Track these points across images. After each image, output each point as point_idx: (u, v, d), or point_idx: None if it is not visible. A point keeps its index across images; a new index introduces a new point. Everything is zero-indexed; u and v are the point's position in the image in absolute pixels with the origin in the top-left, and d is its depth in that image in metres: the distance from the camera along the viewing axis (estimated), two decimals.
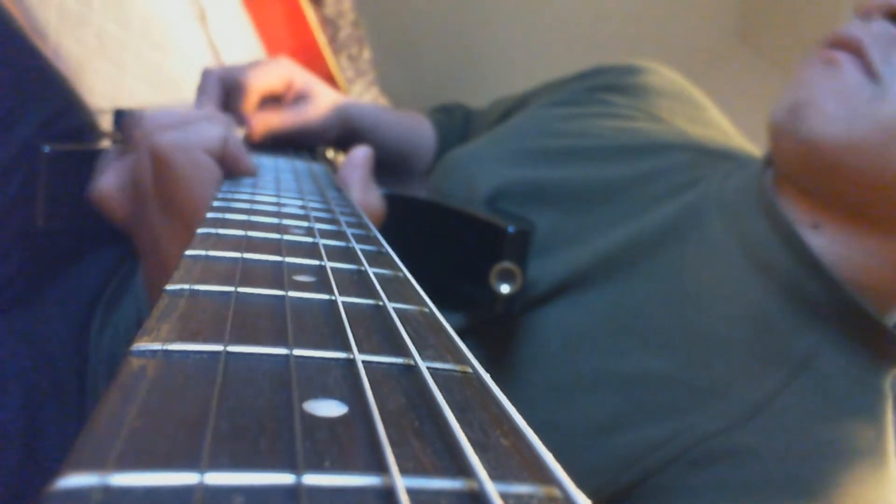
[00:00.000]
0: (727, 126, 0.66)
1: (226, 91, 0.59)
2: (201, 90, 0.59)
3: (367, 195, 0.45)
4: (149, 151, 0.37)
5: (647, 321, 0.47)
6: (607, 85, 0.66)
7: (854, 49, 0.46)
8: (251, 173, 0.42)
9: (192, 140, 0.37)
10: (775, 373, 0.45)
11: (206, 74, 0.60)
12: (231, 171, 0.41)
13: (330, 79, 1.36)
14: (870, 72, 0.45)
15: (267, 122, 0.60)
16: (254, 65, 0.60)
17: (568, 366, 0.47)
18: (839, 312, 0.47)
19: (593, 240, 0.51)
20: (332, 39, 1.59)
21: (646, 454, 0.42)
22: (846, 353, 0.46)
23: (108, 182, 0.42)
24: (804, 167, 0.48)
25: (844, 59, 0.46)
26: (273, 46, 1.21)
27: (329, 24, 1.59)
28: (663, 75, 0.68)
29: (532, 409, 0.44)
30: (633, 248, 0.50)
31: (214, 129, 0.39)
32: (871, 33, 0.45)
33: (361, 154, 0.48)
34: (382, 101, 1.69)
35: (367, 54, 1.69)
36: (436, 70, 1.83)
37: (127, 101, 0.80)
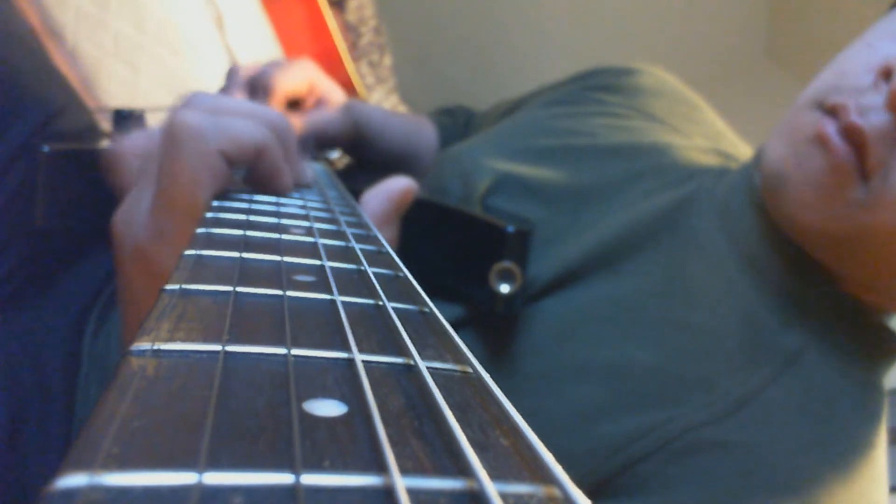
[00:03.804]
0: (723, 127, 0.67)
1: (251, 91, 0.59)
2: (226, 88, 0.59)
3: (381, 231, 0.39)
4: (167, 126, 0.32)
5: (636, 314, 0.47)
6: (602, 85, 0.66)
7: (855, 141, 0.41)
8: (284, 192, 0.35)
9: (213, 132, 0.31)
10: (762, 367, 0.44)
11: (232, 73, 0.60)
12: (263, 184, 0.35)
13: (349, 85, 1.36)
14: (863, 172, 0.41)
15: (298, 125, 0.60)
16: (279, 65, 0.60)
17: (555, 356, 0.47)
18: (829, 308, 0.47)
19: (585, 235, 0.51)
20: (354, 46, 1.58)
21: (629, 443, 0.42)
22: (836, 348, 0.46)
23: (136, 141, 0.37)
24: (784, 224, 0.48)
25: (840, 148, 0.42)
26: (292, 51, 1.22)
27: (351, 31, 1.59)
28: (658, 76, 0.68)
29: (519, 399, 0.44)
30: (623, 241, 0.50)
31: (252, 131, 0.33)
32: (875, 127, 0.41)
33: (397, 187, 0.39)
34: (402, 109, 1.68)
35: (387, 61, 1.69)
36: (456, 78, 1.83)
37: (141, 104, 0.80)
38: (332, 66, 1.32)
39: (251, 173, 0.35)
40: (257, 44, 1.09)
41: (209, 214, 0.28)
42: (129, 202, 0.34)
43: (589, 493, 0.43)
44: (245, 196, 0.33)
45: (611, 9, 1.73)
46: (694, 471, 0.41)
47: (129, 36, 0.86)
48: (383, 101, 1.65)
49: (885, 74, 0.42)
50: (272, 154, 0.34)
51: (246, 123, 0.33)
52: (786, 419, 0.43)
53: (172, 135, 0.31)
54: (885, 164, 0.41)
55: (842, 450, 0.43)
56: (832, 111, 0.43)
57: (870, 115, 0.41)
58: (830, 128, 0.42)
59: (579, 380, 0.45)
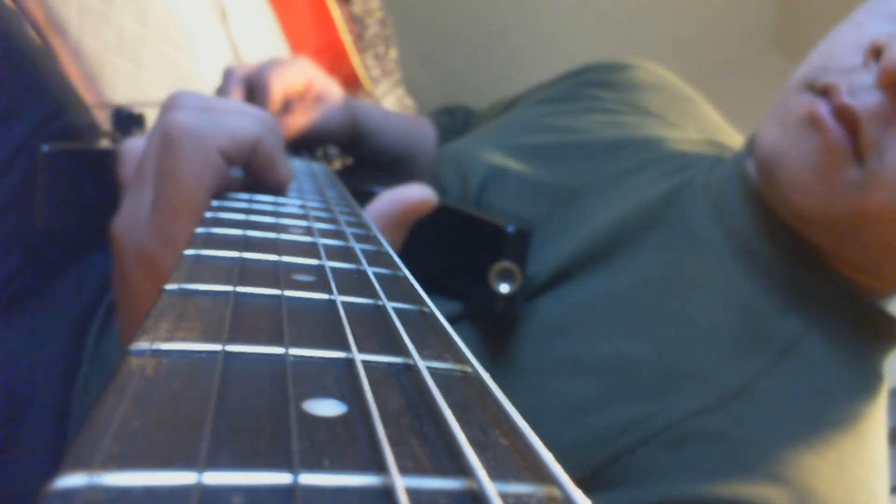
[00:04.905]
0: (719, 121, 0.67)
1: (248, 90, 0.59)
2: (223, 89, 0.59)
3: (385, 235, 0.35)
4: (161, 128, 0.32)
5: (630, 307, 0.47)
6: (596, 81, 0.66)
7: (848, 121, 0.41)
8: (281, 186, 0.35)
9: (209, 131, 0.31)
10: (757, 357, 0.44)
11: (228, 73, 0.60)
12: (258, 180, 0.35)
13: (354, 77, 1.35)
14: (857, 152, 0.41)
15: (296, 123, 0.60)
16: (275, 64, 0.60)
17: (549, 351, 0.47)
18: (827, 294, 0.47)
19: (578, 232, 0.51)
20: (359, 37, 1.57)
21: (619, 434, 0.42)
22: (834, 335, 0.46)
23: (138, 144, 0.36)
24: (780, 209, 0.47)
25: (833, 129, 0.41)
26: (297, 44, 1.21)
27: (356, 22, 1.58)
28: (652, 71, 0.68)
29: (512, 394, 0.43)
30: (616, 235, 0.50)
31: (246, 126, 0.32)
32: (867, 106, 0.41)
33: (415, 195, 0.38)
34: (408, 102, 1.67)
35: (393, 53, 1.68)
36: (462, 71, 1.82)
37: (144, 99, 0.80)
38: (337, 58, 1.31)
39: (247, 168, 0.34)
40: (261, 37, 1.09)
41: (209, 214, 0.28)
42: (127, 209, 0.34)
43: (581, 485, 0.43)
44: (244, 196, 0.33)
45: (619, 1, 1.72)
46: (686, 461, 0.41)
47: (133, 31, 0.86)
48: (389, 94, 1.64)
49: (874, 53, 0.42)
50: (267, 146, 0.34)
51: (239, 119, 0.33)
52: (781, 408, 0.43)
53: (169, 137, 0.31)
54: (879, 144, 0.40)
55: (838, 437, 0.43)
56: (823, 92, 0.43)
57: (861, 94, 0.41)
58: (823, 108, 0.42)
59: (572, 373, 0.45)
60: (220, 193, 0.32)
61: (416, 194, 0.38)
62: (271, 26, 1.15)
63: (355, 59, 1.34)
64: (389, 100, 1.64)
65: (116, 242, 0.35)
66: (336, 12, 1.30)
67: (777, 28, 1.69)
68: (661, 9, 1.69)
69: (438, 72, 1.86)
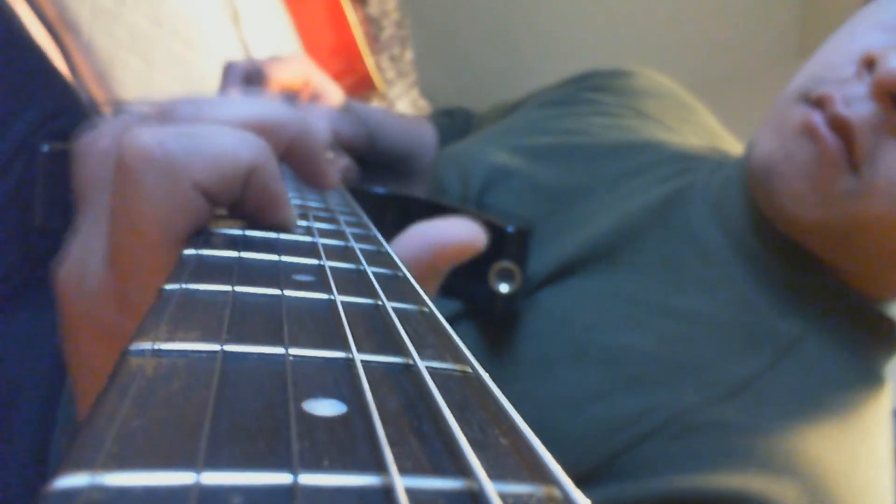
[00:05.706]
0: (719, 129, 0.67)
1: (247, 84, 0.59)
2: (224, 84, 0.60)
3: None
4: (119, 151, 0.22)
5: (630, 302, 0.47)
6: (596, 86, 0.67)
7: (842, 131, 0.42)
8: (286, 225, 0.26)
9: (181, 159, 0.22)
10: (760, 354, 0.45)
11: (229, 69, 0.60)
12: (256, 216, 0.25)
13: (368, 79, 1.35)
14: (852, 161, 0.42)
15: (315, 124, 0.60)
16: (275, 58, 0.61)
17: (552, 343, 0.47)
18: (826, 298, 0.47)
19: (580, 231, 0.52)
20: (375, 39, 1.57)
21: (625, 425, 0.42)
22: (835, 336, 0.46)
23: (104, 141, 0.27)
24: (775, 217, 0.48)
25: (828, 138, 0.42)
26: (311, 45, 1.21)
27: (372, 24, 1.58)
28: (652, 78, 0.69)
29: (514, 385, 0.44)
30: (618, 235, 0.51)
31: (235, 149, 0.23)
32: (861, 116, 0.41)
33: (453, 237, 0.27)
34: (422, 104, 1.67)
35: (409, 55, 1.67)
36: (478, 74, 1.82)
37: (155, 98, 0.80)
38: (352, 59, 1.31)
39: (240, 203, 0.25)
40: (274, 37, 1.09)
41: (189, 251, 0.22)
42: (76, 252, 0.27)
43: (587, 476, 0.43)
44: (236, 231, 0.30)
45: (639, 7, 1.72)
46: (693, 451, 0.41)
47: (145, 30, 0.87)
48: (403, 96, 1.64)
49: (868, 63, 0.42)
50: (265, 176, 0.24)
51: (227, 138, 0.23)
52: (786, 403, 0.43)
53: (125, 167, 0.22)
54: (873, 153, 0.41)
55: (845, 433, 0.43)
56: (818, 103, 0.43)
57: (856, 105, 0.42)
58: (818, 119, 0.43)
59: (575, 364, 0.45)
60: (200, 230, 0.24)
61: (457, 234, 0.27)
62: (285, 27, 1.15)
63: (369, 61, 1.34)
64: (404, 102, 1.64)
65: (62, 294, 0.26)
66: (351, 13, 1.30)
67: (799, 37, 1.69)
68: (683, 16, 1.69)
69: (454, 74, 1.85)
